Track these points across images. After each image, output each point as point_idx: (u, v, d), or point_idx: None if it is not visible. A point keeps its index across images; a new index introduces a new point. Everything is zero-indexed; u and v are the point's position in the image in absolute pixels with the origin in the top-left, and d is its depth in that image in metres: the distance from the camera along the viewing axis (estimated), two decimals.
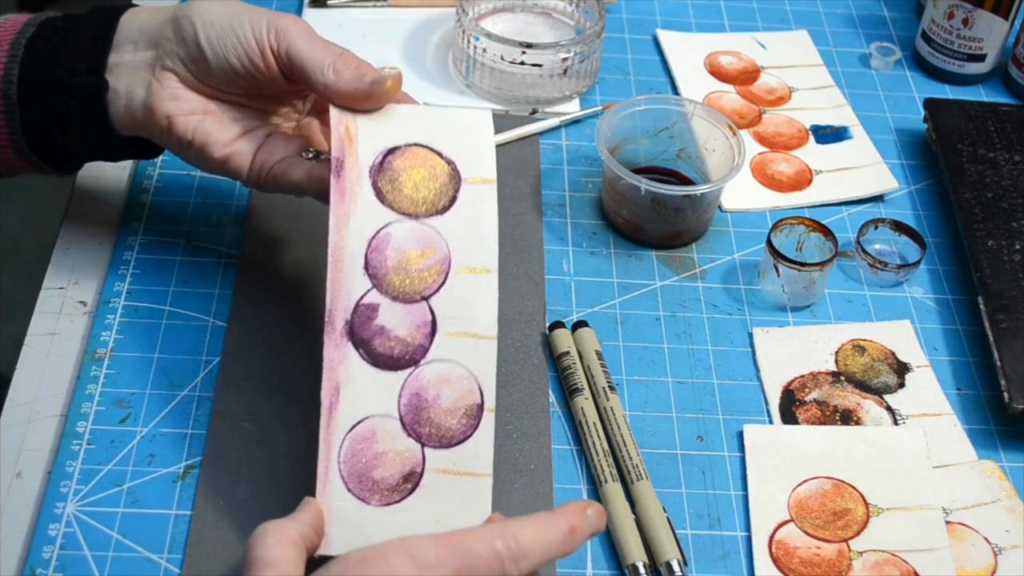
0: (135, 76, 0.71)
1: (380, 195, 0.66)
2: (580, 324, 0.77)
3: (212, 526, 0.66)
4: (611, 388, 0.73)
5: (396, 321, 0.64)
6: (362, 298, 0.64)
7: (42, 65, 0.71)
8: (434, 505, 0.62)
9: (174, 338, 0.75)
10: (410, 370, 0.64)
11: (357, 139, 0.67)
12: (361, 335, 0.63)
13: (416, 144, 0.68)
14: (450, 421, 0.63)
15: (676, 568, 0.65)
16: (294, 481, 0.68)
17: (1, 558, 0.64)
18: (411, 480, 0.62)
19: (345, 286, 0.64)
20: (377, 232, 0.65)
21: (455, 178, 0.67)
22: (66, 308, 0.76)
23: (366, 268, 0.64)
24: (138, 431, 0.70)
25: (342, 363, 0.63)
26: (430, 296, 0.65)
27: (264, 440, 0.70)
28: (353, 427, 0.62)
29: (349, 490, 0.61)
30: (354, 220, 0.65)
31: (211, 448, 0.69)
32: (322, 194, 0.69)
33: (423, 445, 0.63)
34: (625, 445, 0.71)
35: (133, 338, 0.75)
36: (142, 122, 0.71)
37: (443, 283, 0.65)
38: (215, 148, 0.71)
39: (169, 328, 0.76)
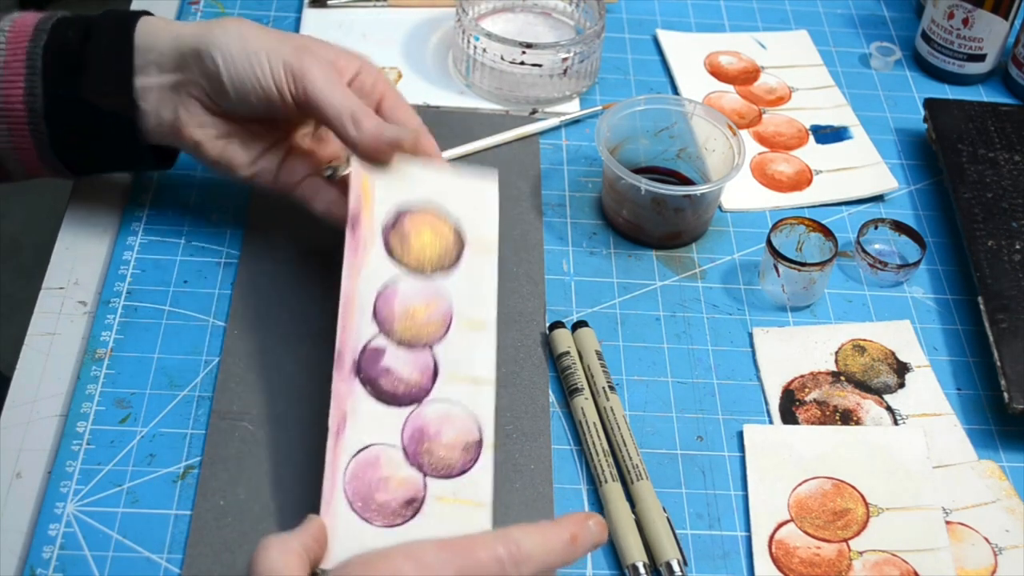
0: (163, 99, 0.74)
1: (390, 251, 0.71)
2: (580, 324, 0.77)
3: (212, 526, 0.66)
4: (611, 388, 0.73)
5: (401, 363, 0.68)
6: (370, 342, 0.68)
7: (68, 81, 0.73)
8: (434, 530, 0.64)
9: (174, 338, 0.75)
10: (413, 407, 0.67)
11: (373, 198, 0.72)
12: (368, 373, 0.67)
13: (426, 207, 0.73)
14: (450, 455, 0.66)
15: (676, 568, 0.65)
16: (294, 481, 0.68)
17: (1, 558, 0.64)
18: (412, 506, 0.64)
19: (355, 330, 0.68)
20: (386, 284, 0.70)
21: (459, 241, 0.72)
22: (66, 308, 0.76)
23: (374, 315, 0.69)
24: (138, 431, 0.70)
25: (349, 396, 0.66)
26: (433, 344, 0.69)
27: (264, 440, 0.70)
28: (358, 452, 0.65)
29: (353, 509, 0.63)
30: (365, 272, 0.70)
31: (211, 448, 0.69)
32: (338, 224, 0.73)
33: (424, 475, 0.65)
34: (625, 445, 0.71)
35: (133, 338, 0.75)
36: (170, 139, 0.75)
37: (445, 333, 0.69)
38: (241, 169, 0.76)
39: (169, 328, 0.76)
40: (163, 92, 0.73)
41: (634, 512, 0.68)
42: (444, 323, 0.70)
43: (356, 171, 0.73)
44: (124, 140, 0.75)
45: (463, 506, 0.65)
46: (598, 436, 0.71)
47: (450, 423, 0.67)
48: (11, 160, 0.75)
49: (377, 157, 0.71)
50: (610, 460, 0.70)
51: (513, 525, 0.58)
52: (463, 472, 0.66)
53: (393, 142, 0.71)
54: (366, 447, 0.66)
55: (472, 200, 0.74)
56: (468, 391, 0.68)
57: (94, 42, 0.73)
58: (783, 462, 0.72)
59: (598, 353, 0.75)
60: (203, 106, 0.73)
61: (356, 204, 0.72)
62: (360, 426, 0.66)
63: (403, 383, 0.68)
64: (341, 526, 0.63)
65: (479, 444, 0.67)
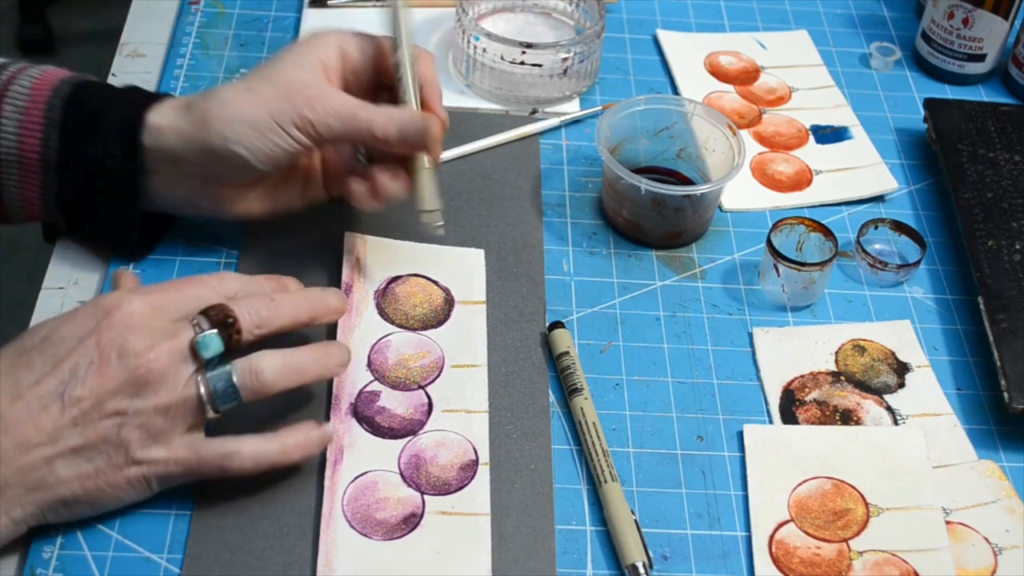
0: (185, 187, 0.75)
1: (383, 312, 0.77)
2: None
3: (212, 526, 0.66)
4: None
5: (396, 403, 0.72)
6: (365, 387, 0.73)
7: (82, 140, 0.73)
8: (435, 539, 0.66)
9: None
10: (409, 438, 0.70)
11: (366, 268, 0.79)
12: (364, 413, 0.71)
13: (415, 275, 0.79)
14: (447, 475, 0.69)
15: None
16: (294, 481, 0.68)
17: (1, 558, 0.64)
18: (411, 521, 0.66)
19: (350, 379, 0.73)
20: (379, 339, 0.75)
21: (449, 302, 0.78)
22: (66, 308, 0.76)
23: (369, 366, 0.74)
24: None
25: (347, 433, 0.70)
26: (427, 385, 0.73)
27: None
28: (356, 477, 0.68)
29: (352, 527, 0.66)
30: (359, 331, 0.75)
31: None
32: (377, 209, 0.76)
33: (423, 493, 0.68)
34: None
35: None
36: (184, 211, 0.78)
37: (438, 376, 0.74)
38: (264, 212, 0.78)
39: None
40: (183, 183, 0.74)
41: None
42: (436, 367, 0.74)
43: (348, 248, 0.79)
44: (126, 205, 0.75)
45: (463, 517, 0.67)
46: (598, 436, 0.71)
47: (446, 448, 0.70)
48: (15, 205, 0.75)
49: (416, 148, 0.74)
50: (610, 460, 0.70)
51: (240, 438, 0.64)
52: (460, 488, 0.68)
53: (429, 137, 0.73)
54: (364, 473, 0.68)
55: (460, 268, 0.80)
56: (462, 420, 0.71)
57: (109, 118, 0.73)
58: (783, 462, 0.72)
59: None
60: (228, 187, 0.75)
61: (349, 275, 0.78)
62: (358, 456, 0.69)
63: (399, 419, 0.71)
64: (342, 543, 0.65)
65: (475, 463, 0.69)
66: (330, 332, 0.75)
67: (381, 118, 0.72)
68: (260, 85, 0.72)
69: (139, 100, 0.74)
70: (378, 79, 0.76)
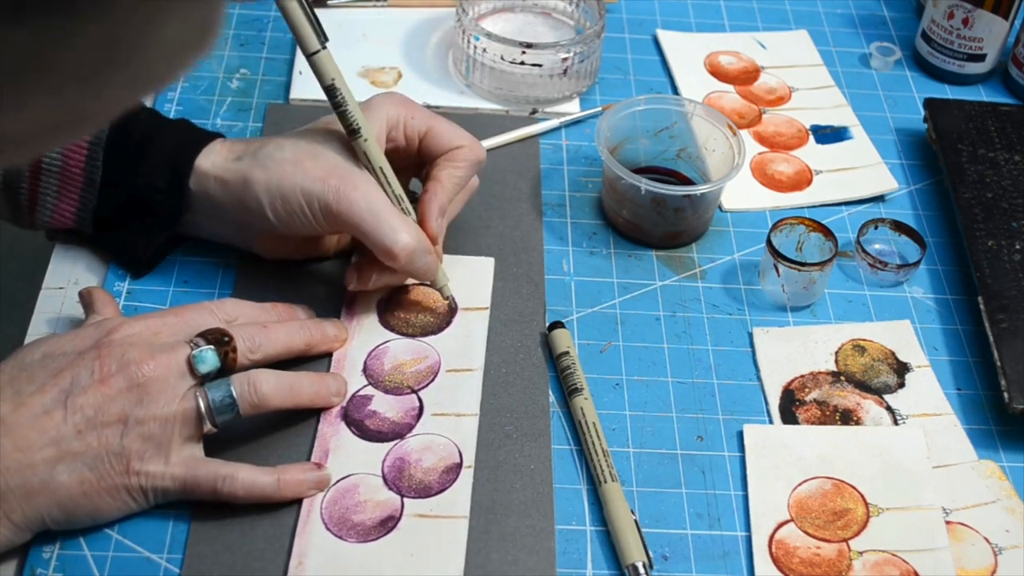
0: (216, 223, 0.76)
1: (384, 321, 0.77)
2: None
3: (212, 526, 0.66)
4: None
5: (387, 407, 0.72)
6: (358, 391, 0.73)
7: (128, 164, 0.74)
8: (409, 542, 0.66)
9: None
10: (396, 441, 0.70)
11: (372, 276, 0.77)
12: (354, 416, 0.71)
13: (421, 284, 0.78)
14: (430, 477, 0.69)
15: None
16: None
17: (1, 558, 0.64)
18: (388, 524, 0.66)
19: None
20: (377, 345, 0.75)
21: (452, 309, 0.78)
22: (66, 308, 0.76)
23: (364, 371, 0.74)
24: None
25: (334, 436, 0.70)
26: (420, 389, 0.73)
27: (264, 440, 0.70)
28: (339, 480, 0.68)
29: (328, 529, 0.66)
30: (358, 338, 0.75)
31: (211, 448, 0.69)
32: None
33: (403, 496, 0.68)
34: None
35: None
36: (220, 240, 0.79)
37: (432, 380, 0.74)
38: (321, 253, 0.80)
39: None
40: (219, 223, 0.76)
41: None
42: (431, 372, 0.74)
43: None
44: (158, 232, 0.76)
45: (440, 520, 0.67)
46: (598, 436, 0.71)
47: (431, 451, 0.70)
48: (47, 213, 0.76)
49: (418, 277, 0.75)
50: (610, 460, 0.70)
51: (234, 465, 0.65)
52: (441, 491, 0.68)
53: (425, 272, 0.74)
54: (346, 476, 0.68)
55: (468, 276, 0.79)
56: (451, 424, 0.71)
57: (157, 150, 0.75)
58: (783, 462, 0.72)
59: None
60: (267, 239, 0.76)
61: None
62: (342, 460, 0.69)
63: (388, 422, 0.71)
64: (315, 544, 0.65)
65: (459, 466, 0.69)
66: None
67: (401, 242, 0.71)
68: (305, 159, 0.72)
69: (190, 139, 0.75)
70: (421, 159, 0.77)
